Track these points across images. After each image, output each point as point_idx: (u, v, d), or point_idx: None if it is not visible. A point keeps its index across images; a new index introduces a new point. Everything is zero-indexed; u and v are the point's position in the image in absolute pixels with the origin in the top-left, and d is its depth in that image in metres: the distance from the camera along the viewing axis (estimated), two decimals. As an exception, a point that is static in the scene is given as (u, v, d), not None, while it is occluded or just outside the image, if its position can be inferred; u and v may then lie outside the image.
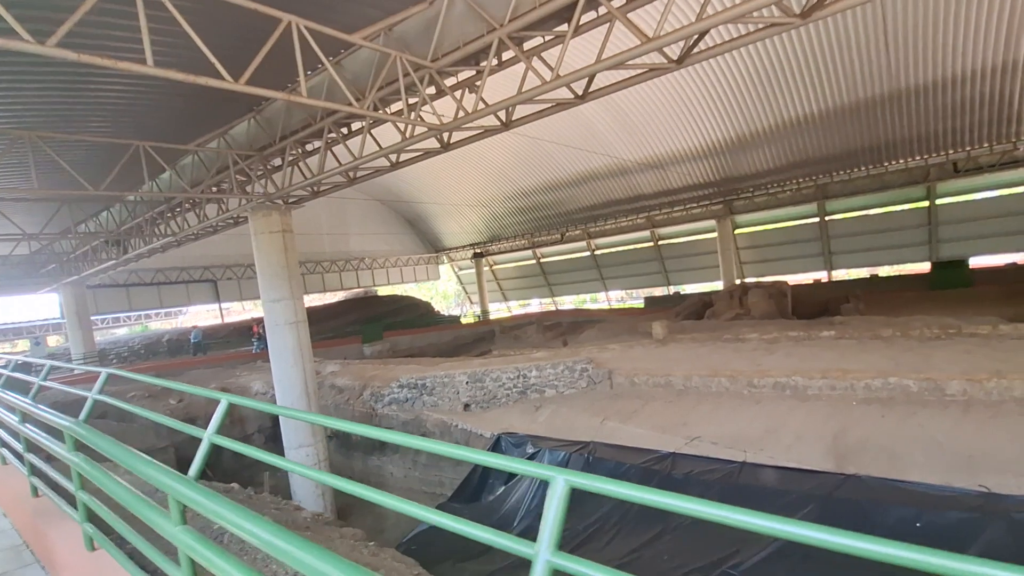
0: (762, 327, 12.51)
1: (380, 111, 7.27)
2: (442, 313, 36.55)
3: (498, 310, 36.94)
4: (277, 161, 10.44)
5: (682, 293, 28.54)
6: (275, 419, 13.38)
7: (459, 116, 7.12)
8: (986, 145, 20.05)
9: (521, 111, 7.99)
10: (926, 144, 20.86)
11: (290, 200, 10.38)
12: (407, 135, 7.32)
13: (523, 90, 6.75)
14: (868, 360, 9.12)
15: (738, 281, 20.37)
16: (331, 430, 12.24)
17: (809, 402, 8.39)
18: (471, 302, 38.66)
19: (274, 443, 13.25)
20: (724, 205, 26.02)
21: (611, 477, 5.08)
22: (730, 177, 24.85)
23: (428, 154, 8.50)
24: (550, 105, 7.86)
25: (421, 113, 7.08)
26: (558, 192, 28.55)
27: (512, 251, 33.84)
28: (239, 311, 42.21)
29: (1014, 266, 20.31)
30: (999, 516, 5.24)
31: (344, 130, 8.83)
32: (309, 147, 9.79)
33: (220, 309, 29.45)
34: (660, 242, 29.61)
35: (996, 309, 15.25)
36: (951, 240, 22.84)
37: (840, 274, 26.06)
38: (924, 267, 23.98)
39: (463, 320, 33.01)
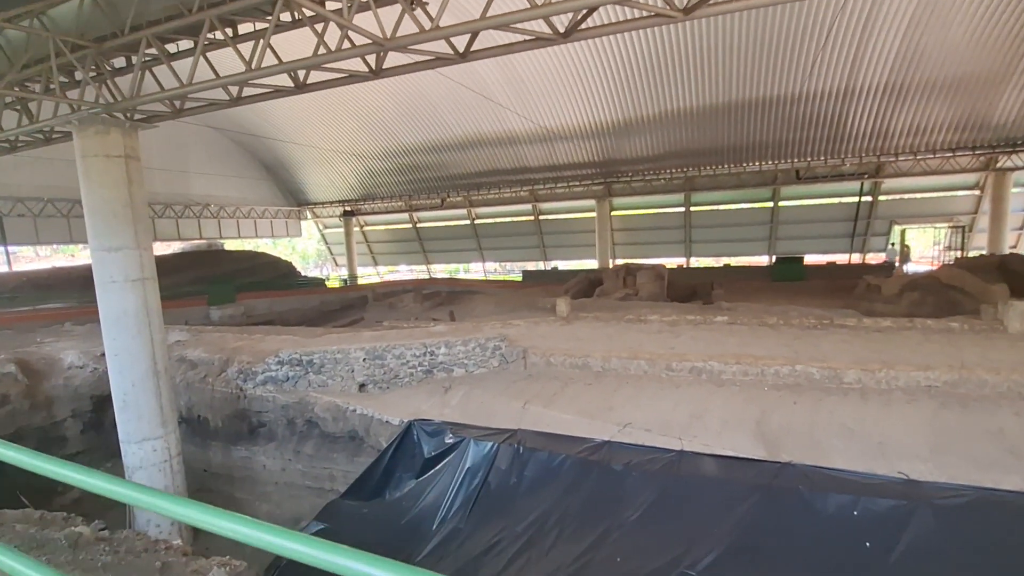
0: (660, 309, 12.83)
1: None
2: (305, 275, 32.97)
3: (366, 275, 34.47)
4: (120, 61, 7.75)
5: (559, 269, 29.06)
6: (99, 401, 10.55)
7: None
8: (822, 158, 23.00)
9: (395, 59, 6.74)
10: (777, 150, 23.35)
11: (137, 116, 7.80)
12: (336, 47, 5.63)
13: (395, 35, 5.55)
14: (768, 347, 9.63)
15: (621, 261, 21.13)
16: (184, 412, 9.95)
17: (725, 387, 8.57)
18: (336, 264, 35.54)
19: (97, 432, 10.48)
20: (604, 186, 26.81)
21: (546, 469, 4.36)
22: (612, 160, 25.60)
23: (353, 78, 6.79)
24: (429, 59, 6.67)
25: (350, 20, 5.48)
26: (442, 154, 27.03)
27: (387, 212, 31.56)
28: (31, 257, 33.85)
29: (833, 265, 23.85)
30: (924, 503, 5.60)
31: (230, 30, 6.69)
32: (173, 47, 7.33)
33: (7, 254, 23.05)
34: (540, 216, 29.73)
35: (824, 300, 17.61)
36: (786, 238, 26.20)
37: (695, 262, 28.54)
38: (762, 260, 27.29)
39: (328, 284, 30.09)
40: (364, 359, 9.60)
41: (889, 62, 18.31)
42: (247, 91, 7.16)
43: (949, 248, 23.02)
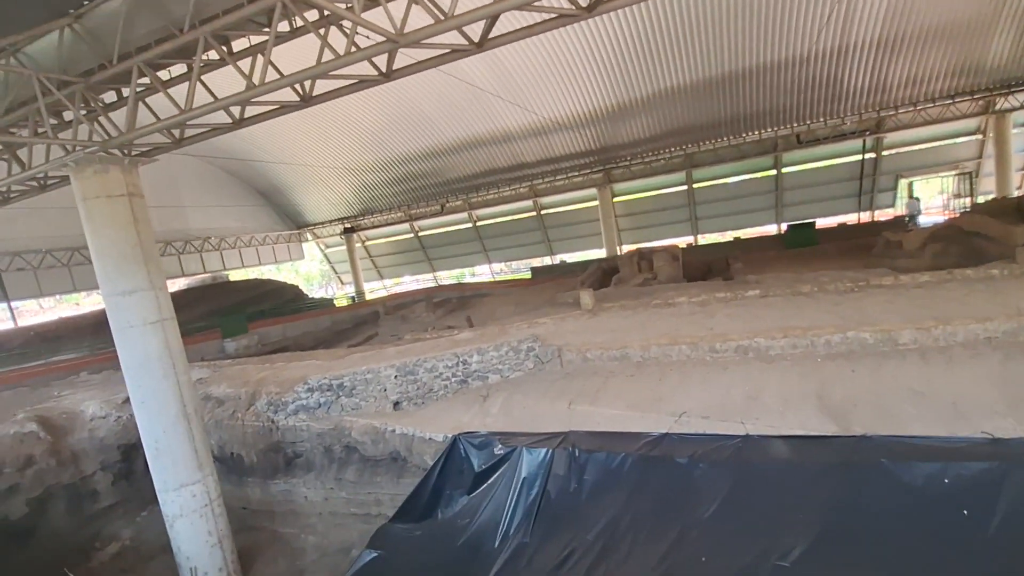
0: (686, 290, 12.49)
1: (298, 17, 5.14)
2: (312, 297, 32.64)
3: (373, 289, 34.13)
4: (111, 96, 7.40)
5: (567, 262, 28.70)
6: (127, 450, 10.24)
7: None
8: (822, 119, 22.60)
9: (403, 59, 6.37)
10: (775, 117, 22.94)
11: (136, 151, 7.46)
12: (344, 51, 5.28)
13: (408, 30, 5.17)
14: (810, 316, 9.30)
15: (632, 247, 20.79)
16: (216, 451, 9.63)
17: (775, 363, 8.25)
18: (342, 282, 35.21)
19: (128, 482, 10.16)
20: (604, 174, 26.43)
21: (606, 471, 3.97)
22: (609, 146, 25.23)
23: (364, 83, 6.41)
24: (444, 52, 6.24)
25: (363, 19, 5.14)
26: (437, 160, 26.66)
27: (387, 224, 31.20)
28: (35, 311, 33.56)
29: (843, 226, 23.46)
30: (1017, 461, 5.26)
31: (225, 48, 6.34)
32: (165, 74, 6.97)
33: (11, 310, 22.75)
34: (543, 211, 29.37)
35: (839, 263, 17.25)
36: (793, 204, 25.81)
37: (702, 239, 28.15)
38: (771, 229, 26.91)
39: (336, 303, 29.75)
40: (396, 376, 9.28)
41: (881, 14, 17.93)
42: (250, 110, 6.83)
43: (958, 195, 22.62)
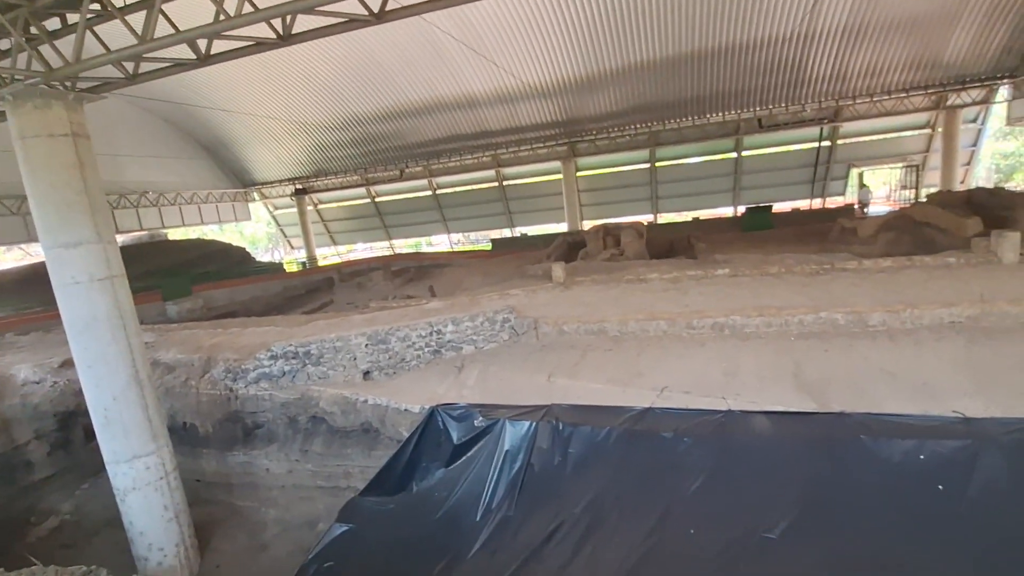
0: (657, 267, 12.56)
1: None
2: (260, 261, 31.01)
3: (324, 256, 32.83)
4: (54, 23, 6.41)
5: (528, 235, 28.49)
6: (65, 417, 9.37)
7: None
8: (783, 104, 23.13)
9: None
10: (740, 99, 23.27)
11: (82, 85, 6.55)
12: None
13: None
14: (781, 296, 9.50)
15: (599, 222, 20.79)
16: (167, 422, 8.94)
17: (750, 341, 8.40)
18: (292, 247, 33.64)
19: (67, 452, 9.34)
20: (568, 147, 26.18)
21: (591, 445, 3.92)
22: (575, 118, 24.96)
23: (354, 21, 5.77)
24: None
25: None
26: (398, 122, 25.58)
27: (342, 188, 29.87)
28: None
29: (797, 211, 24.34)
30: (989, 440, 5.54)
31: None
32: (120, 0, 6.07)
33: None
34: (505, 182, 28.90)
35: (796, 247, 17.88)
36: (750, 188, 26.53)
37: (661, 218, 28.59)
38: (726, 212, 27.61)
39: (286, 268, 28.41)
40: (366, 345, 8.85)
41: (848, 3, 18.31)
42: (219, 45, 6.06)
43: (904, 187, 23.87)
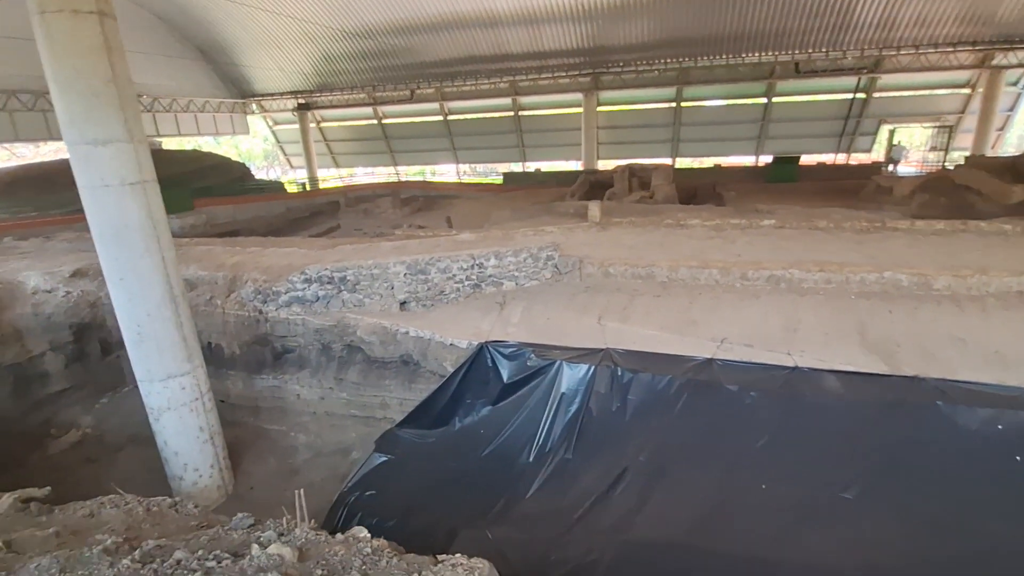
0: (698, 213, 12.09)
1: None
2: (258, 178, 29.68)
3: (324, 178, 31.54)
4: None
5: (542, 171, 27.53)
6: (80, 329, 8.92)
7: None
8: (824, 50, 21.87)
9: None
10: (779, 40, 21.91)
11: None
12: None
13: None
14: (836, 252, 9.16)
15: (624, 162, 19.94)
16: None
17: (808, 296, 8.10)
18: (291, 165, 32.23)
19: (83, 366, 8.95)
20: (592, 78, 24.79)
21: (651, 392, 3.58)
22: (603, 47, 23.43)
23: None
24: None
25: None
26: (413, 36, 23.77)
27: (348, 106, 28.25)
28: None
29: (823, 165, 23.65)
30: (1071, 412, 5.40)
31: None
32: None
33: None
34: (521, 112, 27.52)
35: (828, 201, 17.43)
36: (776, 137, 25.59)
37: (677, 163, 27.67)
38: (746, 161, 26.77)
39: (286, 187, 27.28)
40: (405, 274, 8.40)
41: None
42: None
43: (933, 148, 23.18)
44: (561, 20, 22.19)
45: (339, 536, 2.83)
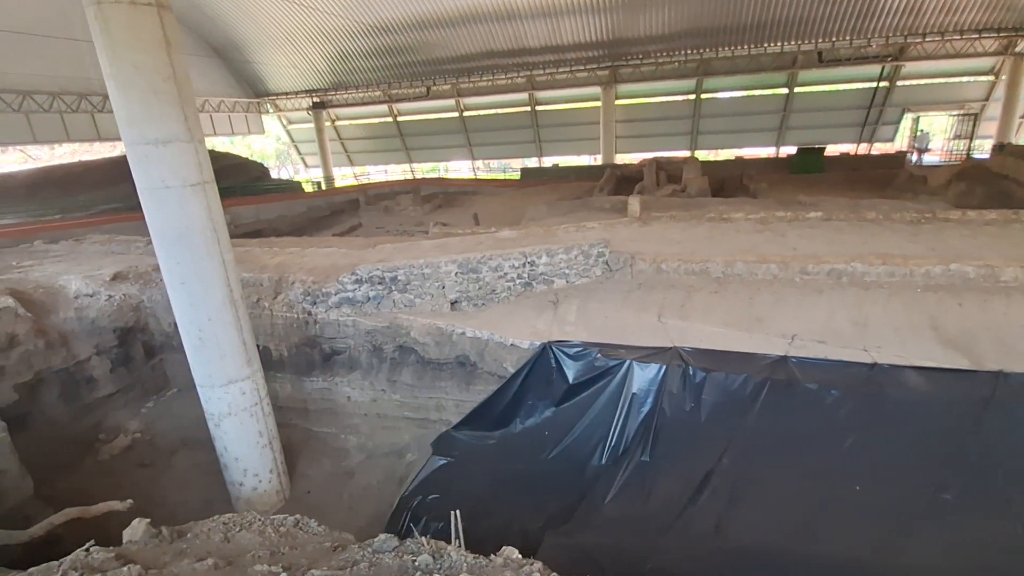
0: (740, 206, 11.86)
1: None
2: (276, 178, 29.54)
3: (340, 176, 31.40)
4: None
5: (560, 166, 27.31)
6: (124, 333, 8.80)
7: None
8: (848, 38, 21.55)
9: None
10: (802, 28, 21.62)
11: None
12: None
13: None
14: (894, 244, 8.92)
15: (648, 155, 19.71)
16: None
17: (872, 290, 7.88)
18: (306, 165, 32.09)
19: (128, 370, 8.83)
20: (611, 71, 24.53)
21: (726, 392, 3.38)
22: (622, 39, 23.18)
23: None
24: None
25: None
26: (429, 32, 23.59)
27: (363, 104, 28.08)
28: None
29: (847, 155, 23.33)
30: None
31: None
32: None
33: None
34: (538, 107, 27.28)
35: (858, 192, 17.20)
36: (797, 128, 25.26)
37: (699, 155, 27.38)
38: (767, 152, 26.46)
39: (304, 187, 27.13)
40: (456, 273, 8.23)
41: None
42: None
43: (957, 136, 22.83)
44: (580, 12, 21.93)
45: (496, 559, 2.66)
